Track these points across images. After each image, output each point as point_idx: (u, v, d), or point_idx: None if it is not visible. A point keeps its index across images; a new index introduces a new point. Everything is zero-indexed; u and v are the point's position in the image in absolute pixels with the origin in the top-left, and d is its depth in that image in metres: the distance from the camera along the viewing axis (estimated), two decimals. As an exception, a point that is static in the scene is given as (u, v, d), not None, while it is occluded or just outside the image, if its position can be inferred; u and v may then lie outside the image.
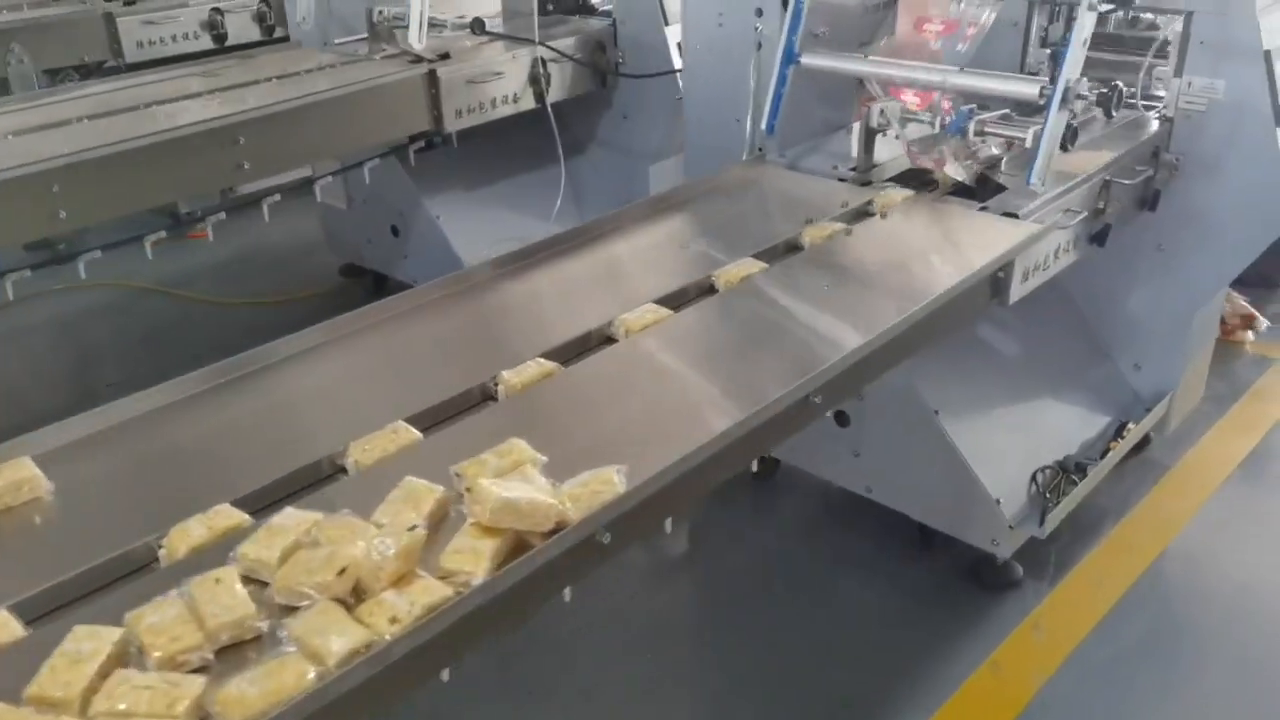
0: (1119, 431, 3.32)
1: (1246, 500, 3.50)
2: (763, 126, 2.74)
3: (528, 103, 4.28)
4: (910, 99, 2.58)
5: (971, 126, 2.59)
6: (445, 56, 4.11)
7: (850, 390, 2.22)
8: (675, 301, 2.21)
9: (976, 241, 2.45)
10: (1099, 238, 2.93)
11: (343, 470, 1.73)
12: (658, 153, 4.58)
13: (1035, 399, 3.30)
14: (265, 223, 3.83)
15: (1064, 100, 2.22)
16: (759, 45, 3.05)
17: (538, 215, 4.36)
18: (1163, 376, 3.46)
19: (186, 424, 1.86)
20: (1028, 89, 2.29)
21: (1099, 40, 3.30)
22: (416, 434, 1.76)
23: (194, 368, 1.99)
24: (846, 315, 2.18)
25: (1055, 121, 2.25)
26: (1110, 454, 3.19)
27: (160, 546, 1.51)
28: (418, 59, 4.06)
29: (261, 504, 1.62)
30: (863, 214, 2.57)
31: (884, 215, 2.51)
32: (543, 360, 1.95)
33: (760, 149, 3.03)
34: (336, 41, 4.35)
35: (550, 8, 4.78)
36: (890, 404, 2.97)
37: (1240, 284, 4.54)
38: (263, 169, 3.55)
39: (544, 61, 4.25)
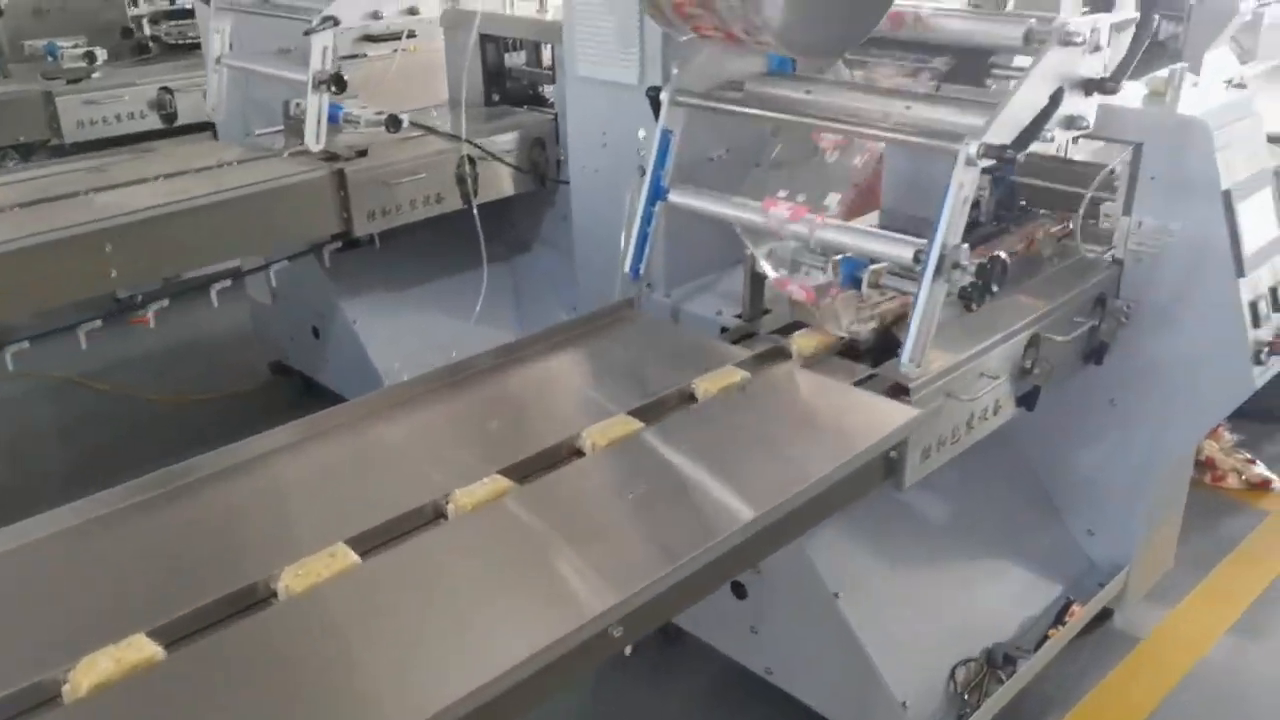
0: (1063, 612, 2.89)
1: (1229, 682, 3.04)
2: (625, 269, 2.41)
3: (454, 203, 3.99)
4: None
5: (866, 278, 2.24)
6: (363, 154, 3.85)
7: (685, 600, 1.86)
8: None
9: (857, 421, 2.08)
10: (1027, 401, 2.54)
11: (274, 596, 1.61)
12: (600, 256, 4.27)
13: (966, 571, 2.89)
14: (214, 309, 3.67)
15: (939, 269, 1.86)
16: (641, 170, 2.74)
17: (465, 320, 4.06)
18: (1119, 545, 3.04)
19: (103, 542, 1.75)
20: (901, 251, 1.94)
21: (1037, 168, 2.94)
22: (355, 558, 1.63)
23: (108, 470, 1.91)
24: (680, 520, 1.82)
25: (930, 295, 1.89)
26: (1048, 643, 2.77)
27: (65, 681, 1.41)
28: (332, 156, 3.80)
29: (180, 634, 1.50)
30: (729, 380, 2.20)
31: (743, 388, 2.14)
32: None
33: (646, 287, 2.71)
34: (258, 132, 4.10)
35: (496, 98, 4.51)
36: (786, 580, 2.59)
37: (1240, 415, 4.11)
38: (133, 277, 3.30)
39: (471, 160, 3.97)
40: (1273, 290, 2.70)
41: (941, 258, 1.86)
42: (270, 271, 3.87)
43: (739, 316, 2.50)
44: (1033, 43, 1.97)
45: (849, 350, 2.34)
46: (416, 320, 4.14)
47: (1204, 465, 3.92)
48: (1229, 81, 7.92)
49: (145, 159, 3.75)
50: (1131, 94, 2.71)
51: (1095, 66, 2.04)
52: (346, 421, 2.10)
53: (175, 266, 3.46)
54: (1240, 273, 2.58)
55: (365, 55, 4.61)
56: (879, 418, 2.03)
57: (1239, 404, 2.72)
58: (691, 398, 2.11)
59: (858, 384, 2.16)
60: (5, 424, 4.65)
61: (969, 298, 1.92)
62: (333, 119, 3.81)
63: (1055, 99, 1.83)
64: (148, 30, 5.67)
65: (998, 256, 1.87)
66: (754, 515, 1.75)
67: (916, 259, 1.90)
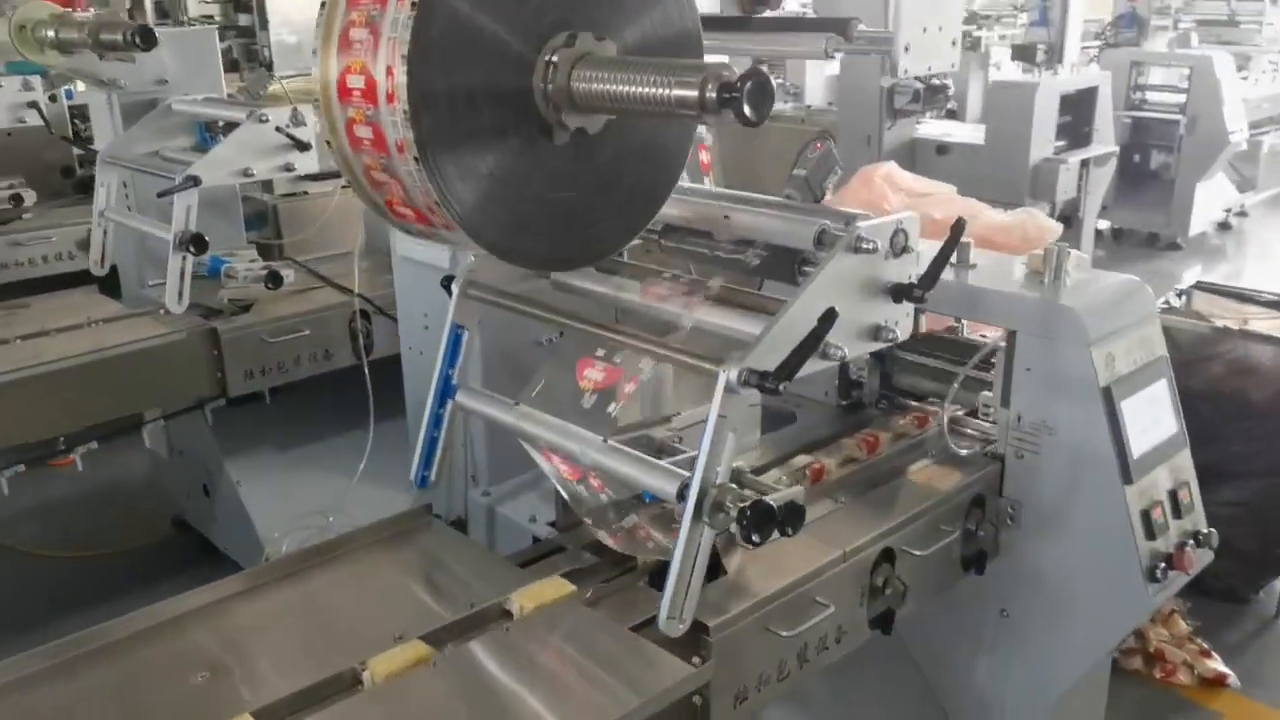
0: None
1: None
2: (410, 477, 2.17)
3: (345, 359, 3.80)
4: (561, 466, 1.99)
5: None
6: (246, 309, 3.68)
7: None
8: None
9: (621, 679, 1.77)
10: (882, 624, 2.24)
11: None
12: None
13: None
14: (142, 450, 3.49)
15: (698, 511, 1.59)
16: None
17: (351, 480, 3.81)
18: (1020, 774, 2.68)
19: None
20: (665, 485, 1.67)
21: (931, 342, 2.70)
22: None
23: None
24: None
25: (688, 540, 1.61)
26: None
27: None
28: (211, 312, 3.63)
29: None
30: (496, 615, 1.90)
31: (521, 612, 1.86)
32: None
33: (472, 479, 2.45)
34: (151, 283, 3.95)
35: (411, 246, 4.35)
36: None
37: (1201, 594, 3.76)
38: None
39: (366, 315, 3.79)
40: (1173, 494, 2.40)
41: (701, 497, 1.59)
42: (151, 429, 3.68)
43: (553, 524, 2.24)
44: (825, 247, 1.74)
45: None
46: (302, 481, 3.90)
47: (1152, 658, 3.55)
48: (1228, 211, 7.76)
49: (14, 316, 3.59)
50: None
51: (903, 271, 1.80)
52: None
53: (26, 433, 3.27)
54: (1127, 479, 2.29)
55: (305, 193, 4.51)
56: (651, 676, 1.74)
57: (1137, 624, 2.41)
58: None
59: (645, 624, 1.87)
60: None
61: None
62: (213, 272, 3.66)
63: (826, 318, 1.59)
64: (90, 169, 5.62)
65: (761, 502, 1.60)
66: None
67: (680, 495, 1.63)
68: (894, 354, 2.75)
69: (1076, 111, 6.52)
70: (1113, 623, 2.40)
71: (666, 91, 1.38)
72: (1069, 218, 6.52)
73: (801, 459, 2.42)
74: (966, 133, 6.58)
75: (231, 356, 3.52)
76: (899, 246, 1.77)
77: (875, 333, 1.79)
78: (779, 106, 6.69)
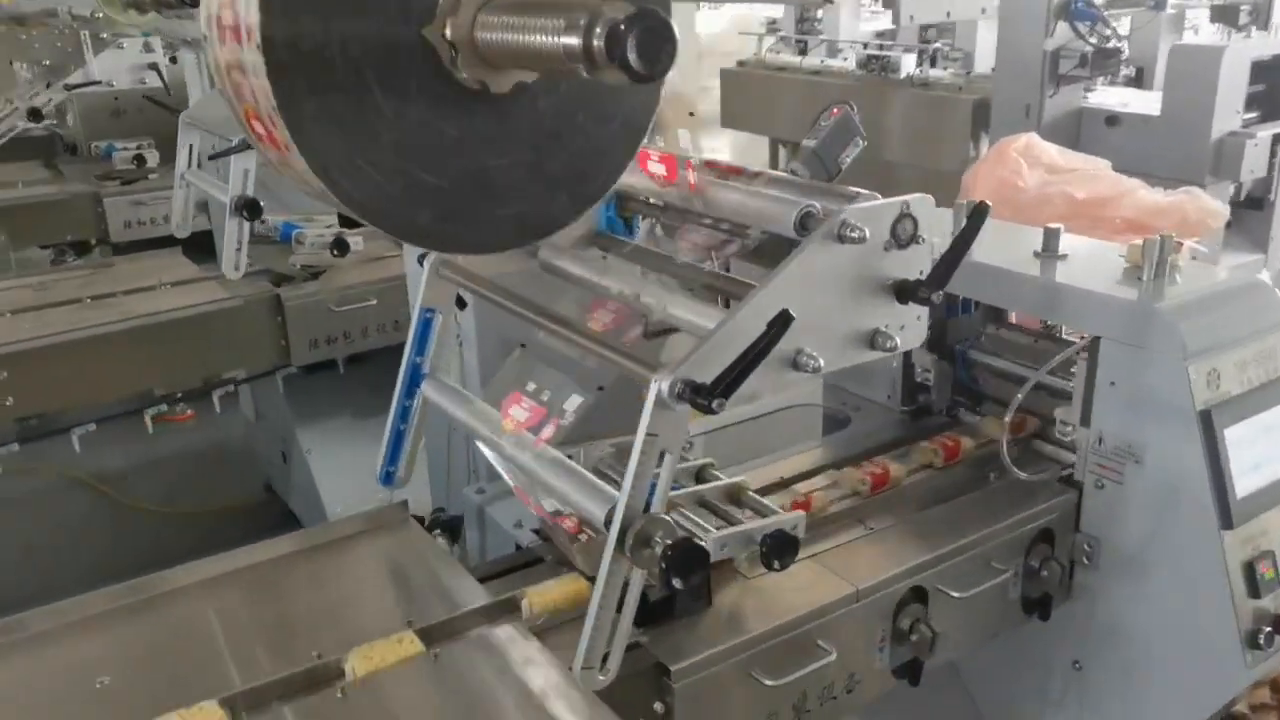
0: None
1: None
2: (375, 476, 1.98)
3: (417, 330, 3.67)
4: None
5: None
6: (315, 276, 3.60)
7: None
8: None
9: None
10: (909, 673, 1.92)
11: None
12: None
13: None
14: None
15: (619, 546, 1.32)
16: (459, 341, 2.32)
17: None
18: None
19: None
20: (593, 507, 1.39)
21: (1012, 344, 2.33)
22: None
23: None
24: None
25: (609, 577, 1.34)
26: None
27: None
28: (281, 278, 3.57)
29: None
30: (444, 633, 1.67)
31: (436, 658, 1.61)
32: None
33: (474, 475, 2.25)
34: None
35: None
36: None
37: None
38: (29, 405, 3.14)
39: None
40: (1295, 544, 1.97)
41: (625, 528, 1.33)
42: (214, 398, 3.66)
43: (537, 531, 2.01)
44: (810, 231, 1.43)
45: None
46: (371, 453, 3.80)
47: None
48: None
49: (96, 276, 3.62)
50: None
51: (910, 266, 1.47)
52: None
53: (85, 394, 3.29)
54: (1227, 523, 1.88)
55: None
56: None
57: (1232, 695, 1.99)
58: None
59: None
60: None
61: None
62: (285, 238, 3.59)
63: (778, 324, 1.28)
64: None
65: (686, 542, 1.32)
66: None
67: (607, 522, 1.37)
68: (971, 356, 2.38)
69: (1272, 79, 5.74)
70: (1202, 692, 1.99)
71: (555, 40, 1.11)
72: (1258, 200, 5.77)
73: (848, 472, 2.11)
74: (1145, 102, 5.90)
75: (295, 324, 3.44)
76: (904, 236, 1.43)
77: (870, 340, 1.47)
78: (935, 73, 6.17)
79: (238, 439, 4.95)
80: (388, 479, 1.93)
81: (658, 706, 1.64)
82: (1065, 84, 5.54)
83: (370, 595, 1.82)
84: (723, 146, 12.45)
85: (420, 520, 2.06)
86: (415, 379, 1.88)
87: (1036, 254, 2.21)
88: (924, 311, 1.51)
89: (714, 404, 1.27)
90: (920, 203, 1.45)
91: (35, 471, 4.64)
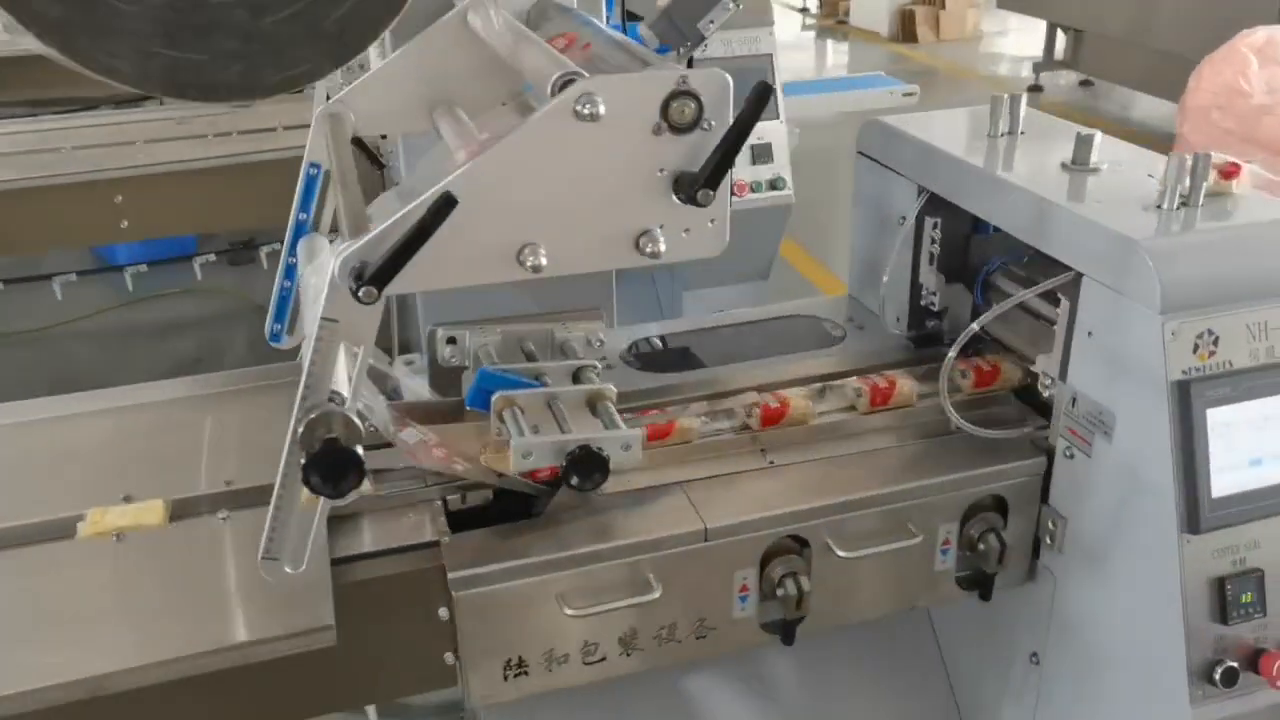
0: None
1: None
2: (266, 332, 1.90)
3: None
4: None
5: (494, 403, 1.57)
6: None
7: None
8: None
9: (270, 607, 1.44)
10: (783, 632, 1.69)
11: None
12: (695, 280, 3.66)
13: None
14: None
15: (294, 437, 1.17)
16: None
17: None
18: None
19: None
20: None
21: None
22: None
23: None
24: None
25: (285, 468, 1.21)
26: None
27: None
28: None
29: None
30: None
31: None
32: None
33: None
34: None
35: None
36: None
37: None
38: (142, 230, 3.36)
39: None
40: (1293, 566, 1.54)
41: (306, 418, 1.19)
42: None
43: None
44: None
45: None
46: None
47: None
48: None
49: (230, 114, 3.78)
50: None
51: (694, 156, 1.19)
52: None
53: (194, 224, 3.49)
54: (1192, 526, 1.48)
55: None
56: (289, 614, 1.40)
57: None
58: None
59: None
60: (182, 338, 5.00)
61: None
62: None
63: (438, 208, 1.06)
64: None
65: (335, 443, 1.16)
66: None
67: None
68: (995, 282, 2.00)
69: None
70: (1147, 721, 1.63)
71: None
72: None
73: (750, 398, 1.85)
74: None
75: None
76: (681, 119, 1.17)
77: (634, 241, 1.22)
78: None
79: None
80: (275, 338, 1.88)
81: (442, 613, 1.53)
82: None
83: (215, 450, 1.80)
84: (1004, 29, 11.33)
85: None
86: (298, 235, 1.81)
87: (1064, 165, 1.80)
88: (722, 214, 1.25)
89: (360, 291, 1.11)
90: (708, 79, 1.18)
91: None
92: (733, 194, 3.27)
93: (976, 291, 2.02)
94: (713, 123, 1.19)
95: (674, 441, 1.75)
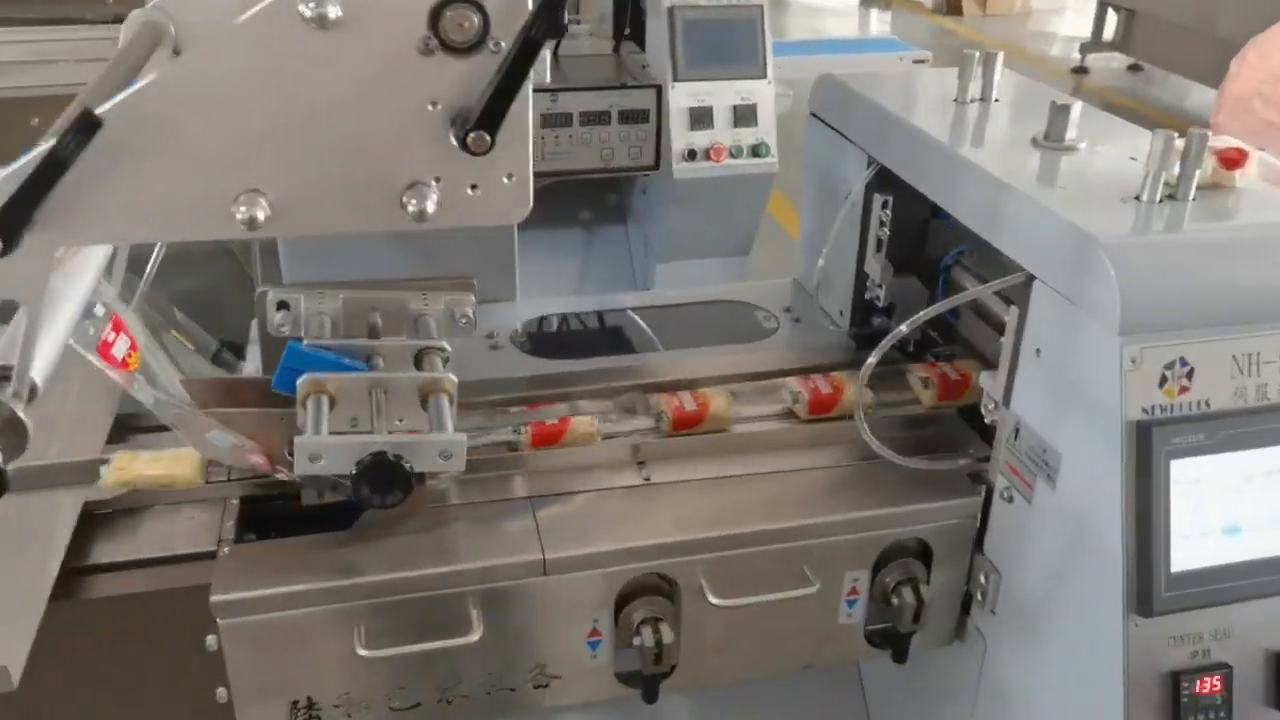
0: None
1: None
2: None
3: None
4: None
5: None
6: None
7: None
8: None
9: None
10: (640, 684, 1.40)
11: None
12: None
13: None
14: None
15: None
16: None
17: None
18: None
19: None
20: None
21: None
22: None
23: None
24: None
25: None
26: None
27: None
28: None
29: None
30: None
31: None
32: None
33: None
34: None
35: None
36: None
37: None
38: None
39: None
40: (1277, 659, 1.22)
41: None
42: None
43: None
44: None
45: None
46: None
47: None
48: None
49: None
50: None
51: (471, 87, 0.89)
52: None
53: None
54: (1144, 607, 1.16)
55: None
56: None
57: None
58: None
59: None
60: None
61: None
62: None
63: (78, 130, 0.77)
64: None
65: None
66: None
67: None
68: (958, 277, 1.68)
69: None
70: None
71: None
72: None
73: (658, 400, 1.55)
74: None
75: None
76: (460, 34, 0.86)
77: (399, 197, 0.92)
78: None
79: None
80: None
81: (210, 641, 1.25)
82: None
83: None
84: (1059, 6, 10.80)
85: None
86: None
87: (1035, 141, 1.47)
88: (523, 169, 0.94)
89: (-14, 245, 0.81)
90: (497, -19, 0.86)
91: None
92: (709, 158, 2.95)
93: (939, 287, 1.69)
94: (502, 43, 0.88)
95: (566, 445, 1.46)
